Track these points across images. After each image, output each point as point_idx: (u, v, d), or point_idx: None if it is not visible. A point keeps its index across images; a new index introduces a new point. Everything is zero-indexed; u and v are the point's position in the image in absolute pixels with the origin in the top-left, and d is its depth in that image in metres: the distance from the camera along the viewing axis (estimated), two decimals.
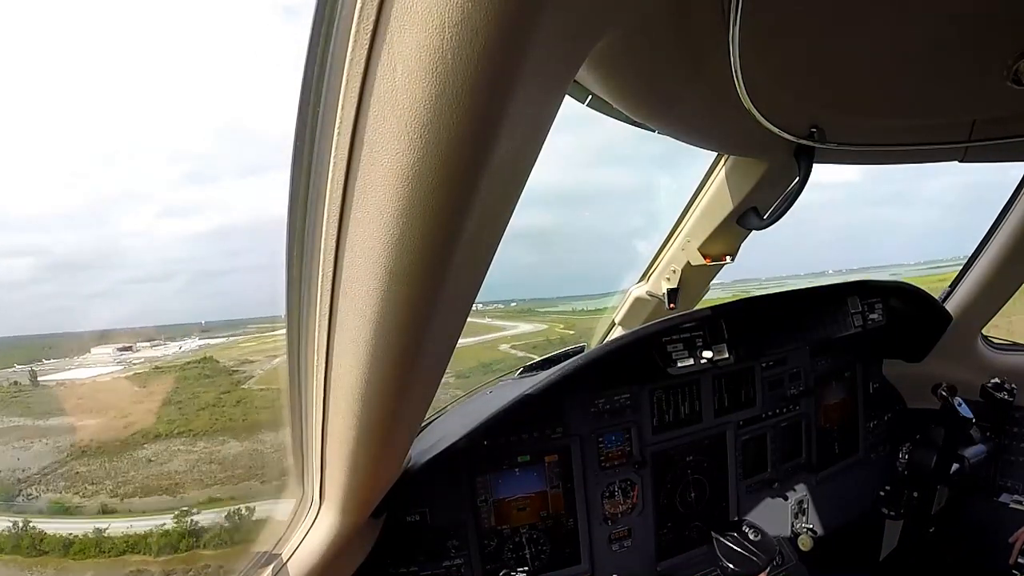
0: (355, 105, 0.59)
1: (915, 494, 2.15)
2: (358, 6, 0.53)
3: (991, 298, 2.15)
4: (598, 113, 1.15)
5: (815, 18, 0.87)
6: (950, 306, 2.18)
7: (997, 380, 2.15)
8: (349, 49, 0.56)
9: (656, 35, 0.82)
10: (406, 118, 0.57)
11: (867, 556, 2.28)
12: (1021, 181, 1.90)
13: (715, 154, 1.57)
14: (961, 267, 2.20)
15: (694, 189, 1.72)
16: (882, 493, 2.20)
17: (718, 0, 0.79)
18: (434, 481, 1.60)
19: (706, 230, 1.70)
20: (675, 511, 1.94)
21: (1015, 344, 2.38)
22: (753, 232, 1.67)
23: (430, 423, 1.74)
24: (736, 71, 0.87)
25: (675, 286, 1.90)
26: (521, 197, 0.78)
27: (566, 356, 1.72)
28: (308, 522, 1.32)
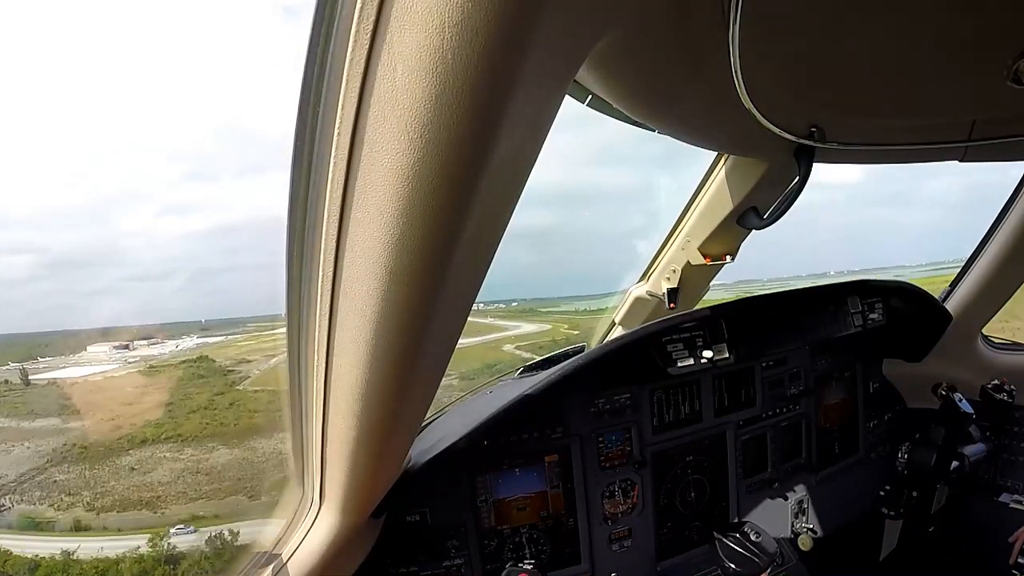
0: (355, 105, 0.59)
1: (914, 493, 2.15)
2: (358, 6, 0.53)
3: (991, 298, 2.15)
4: (598, 113, 1.15)
5: (815, 18, 0.87)
6: (950, 306, 2.18)
7: (997, 381, 2.16)
8: (349, 49, 0.56)
9: (656, 35, 0.82)
10: (406, 118, 0.57)
11: (867, 556, 2.28)
12: (1021, 181, 1.90)
13: (715, 154, 1.57)
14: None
15: (694, 189, 1.72)
16: (882, 493, 2.20)
17: (718, 0, 0.79)
18: (434, 481, 1.60)
19: (706, 230, 1.70)
20: (675, 511, 1.94)
21: (1015, 344, 2.38)
22: (754, 232, 1.67)
23: (430, 423, 1.74)
24: (736, 71, 0.87)
25: (675, 286, 1.90)
26: (521, 197, 0.78)
27: (566, 356, 1.72)
28: (308, 522, 1.32)
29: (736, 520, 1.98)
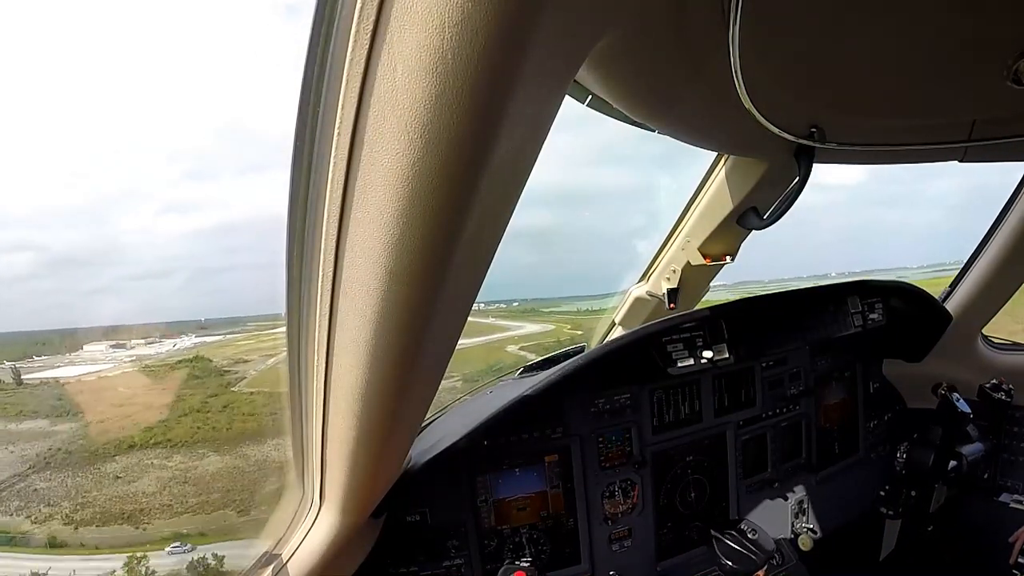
0: (355, 105, 0.59)
1: (913, 493, 2.16)
2: (358, 6, 0.53)
3: (991, 298, 2.15)
4: (598, 113, 1.15)
5: (815, 18, 0.87)
6: (950, 306, 2.18)
7: (995, 381, 2.16)
8: (349, 49, 0.56)
9: (656, 35, 0.82)
10: (406, 118, 0.57)
11: (867, 556, 2.28)
12: (1021, 181, 1.90)
13: (715, 154, 1.57)
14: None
15: (694, 189, 1.72)
16: (882, 493, 2.20)
17: (718, 0, 0.79)
18: (434, 481, 1.60)
19: (706, 230, 1.70)
20: (675, 511, 1.94)
21: (1015, 344, 2.38)
22: (755, 234, 1.67)
23: (430, 423, 1.74)
24: (736, 71, 0.87)
25: (675, 286, 1.90)
26: (521, 197, 0.78)
27: (566, 356, 1.72)
28: (308, 522, 1.32)
29: (735, 519, 1.98)
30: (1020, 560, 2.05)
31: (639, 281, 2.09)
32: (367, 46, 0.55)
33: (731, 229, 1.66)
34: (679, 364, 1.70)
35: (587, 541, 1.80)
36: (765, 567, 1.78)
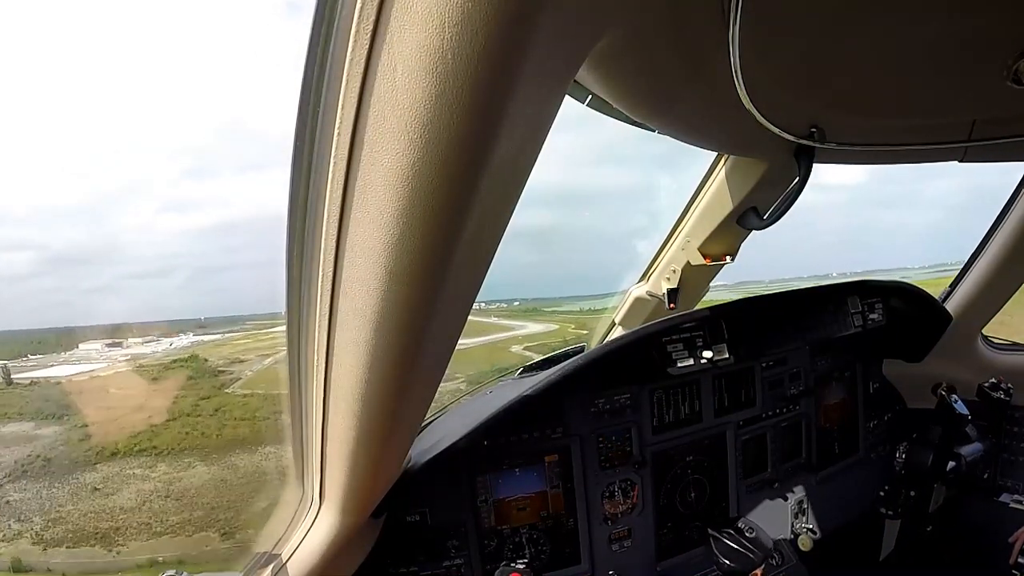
0: (355, 105, 0.59)
1: (912, 493, 2.16)
2: (358, 6, 0.53)
3: (991, 298, 2.15)
4: (598, 113, 1.15)
5: (815, 18, 0.87)
6: (950, 306, 2.18)
7: (994, 380, 2.16)
8: (349, 49, 0.56)
9: (656, 35, 0.82)
10: (406, 118, 0.57)
11: (867, 556, 2.28)
12: (1021, 181, 1.90)
13: (715, 154, 1.57)
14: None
15: (694, 189, 1.72)
16: (881, 493, 2.20)
17: (718, 0, 0.79)
18: (434, 481, 1.60)
19: (706, 230, 1.70)
20: (675, 511, 1.94)
21: (1015, 344, 2.38)
22: (755, 234, 1.67)
23: (430, 423, 1.74)
24: (736, 71, 0.87)
25: (675, 286, 1.90)
26: (521, 197, 0.78)
27: (566, 356, 1.72)
28: (308, 522, 1.32)
29: (733, 517, 1.98)
30: (1020, 560, 2.05)
31: (639, 281, 2.09)
32: (367, 46, 0.55)
33: (731, 229, 1.66)
34: (679, 364, 1.70)
35: (587, 541, 1.80)
36: (763, 566, 1.78)
